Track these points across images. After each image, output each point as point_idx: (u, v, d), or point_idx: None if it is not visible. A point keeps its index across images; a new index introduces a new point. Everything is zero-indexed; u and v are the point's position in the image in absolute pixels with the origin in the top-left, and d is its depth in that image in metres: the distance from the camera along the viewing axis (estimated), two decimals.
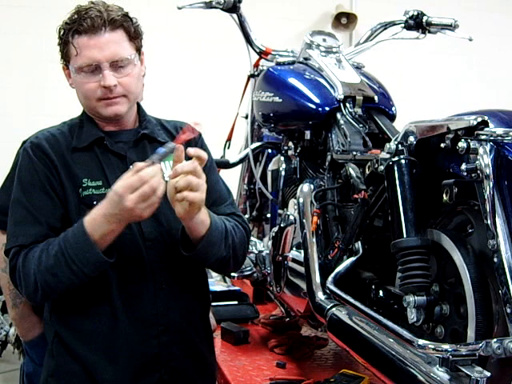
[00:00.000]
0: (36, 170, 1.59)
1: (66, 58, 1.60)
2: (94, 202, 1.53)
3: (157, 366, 1.61)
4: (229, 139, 2.81)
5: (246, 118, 2.65)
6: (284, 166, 2.32)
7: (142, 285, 1.60)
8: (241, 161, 2.67)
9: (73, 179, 1.59)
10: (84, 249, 1.47)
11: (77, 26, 1.54)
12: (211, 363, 1.79)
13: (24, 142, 2.14)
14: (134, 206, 1.41)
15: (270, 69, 2.37)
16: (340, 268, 1.75)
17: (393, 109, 2.16)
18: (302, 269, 1.96)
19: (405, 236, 1.47)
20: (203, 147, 1.70)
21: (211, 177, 1.63)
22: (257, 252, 2.36)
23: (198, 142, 1.72)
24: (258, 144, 2.61)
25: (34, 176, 1.59)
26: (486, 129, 1.29)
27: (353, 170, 1.81)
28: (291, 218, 2.08)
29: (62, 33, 1.59)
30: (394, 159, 1.53)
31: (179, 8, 2.31)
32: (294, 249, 2.06)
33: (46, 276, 1.50)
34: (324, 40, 2.33)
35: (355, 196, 1.73)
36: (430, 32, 2.49)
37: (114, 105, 1.59)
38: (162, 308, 1.61)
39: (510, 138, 1.25)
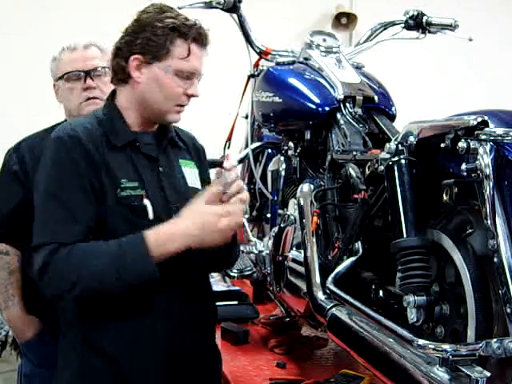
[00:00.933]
0: (76, 165, 1.55)
1: (157, 53, 1.59)
2: (132, 203, 1.57)
3: (184, 359, 1.65)
4: (229, 139, 2.81)
5: (246, 117, 2.65)
6: (284, 166, 2.32)
7: (174, 288, 1.64)
8: (241, 161, 2.67)
9: (111, 179, 1.58)
10: (140, 263, 1.50)
11: (195, 34, 1.62)
12: (220, 357, 1.86)
13: (9, 151, 2.14)
14: (223, 230, 1.54)
15: (270, 69, 2.37)
16: (340, 268, 1.75)
17: (393, 109, 2.16)
18: (301, 269, 1.96)
19: (405, 236, 1.47)
20: (205, 163, 1.87)
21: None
22: (257, 252, 2.36)
23: (203, 157, 1.87)
24: (258, 144, 2.61)
25: (72, 172, 1.55)
26: (486, 129, 1.29)
27: (353, 170, 1.81)
28: (291, 217, 2.09)
29: (167, 31, 1.59)
30: (393, 159, 1.53)
31: (179, 8, 2.30)
32: (294, 249, 2.06)
33: (90, 280, 1.50)
34: (324, 40, 2.33)
35: (355, 196, 1.73)
36: (429, 32, 2.49)
37: (180, 113, 1.68)
38: (188, 307, 1.66)
39: (510, 137, 1.25)
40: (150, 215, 1.59)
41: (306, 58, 2.31)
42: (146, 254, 1.49)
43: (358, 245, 1.75)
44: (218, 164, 2.58)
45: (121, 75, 1.65)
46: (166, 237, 1.52)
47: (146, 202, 1.59)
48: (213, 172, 1.88)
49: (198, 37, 1.63)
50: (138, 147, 1.64)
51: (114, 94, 1.70)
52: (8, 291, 2.08)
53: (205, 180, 1.81)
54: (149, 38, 1.59)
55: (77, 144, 1.56)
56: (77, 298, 1.56)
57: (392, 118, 2.13)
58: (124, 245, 1.51)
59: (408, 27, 2.50)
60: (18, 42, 4.45)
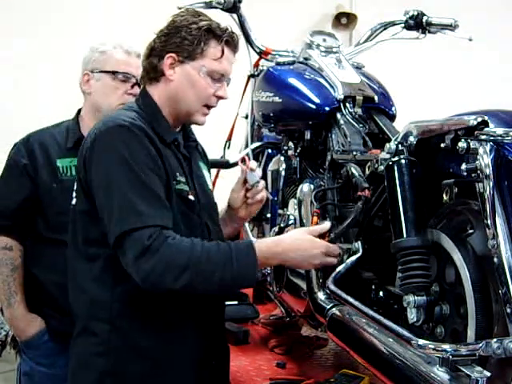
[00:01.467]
0: (147, 150, 1.56)
1: (191, 52, 1.63)
2: (188, 197, 1.64)
3: (210, 357, 1.71)
4: (229, 139, 2.81)
5: (246, 117, 2.65)
6: (284, 166, 2.32)
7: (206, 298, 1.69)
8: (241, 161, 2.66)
9: (169, 170, 1.61)
10: (246, 271, 1.55)
11: (229, 38, 1.69)
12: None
13: (15, 145, 2.14)
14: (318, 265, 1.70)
15: (270, 69, 2.37)
16: (340, 268, 1.75)
17: (393, 109, 2.16)
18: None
19: (405, 236, 1.47)
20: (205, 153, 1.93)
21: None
22: None
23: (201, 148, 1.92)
24: (258, 144, 2.61)
25: (148, 155, 1.55)
26: (486, 129, 1.29)
27: (355, 169, 1.81)
28: (291, 217, 2.08)
29: (202, 32, 1.63)
30: (393, 159, 1.53)
31: (179, 8, 2.30)
32: None
33: (196, 277, 1.49)
34: (324, 40, 2.33)
35: (359, 193, 1.72)
36: (429, 32, 2.49)
37: (206, 116, 1.72)
38: (218, 307, 1.77)
39: (510, 137, 1.25)
40: (197, 210, 1.66)
41: (306, 58, 2.31)
42: (254, 265, 1.55)
43: (358, 245, 1.74)
44: (220, 165, 2.58)
45: (152, 74, 1.67)
46: (271, 254, 1.61)
47: (191, 197, 1.66)
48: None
49: (230, 40, 1.69)
50: (177, 146, 1.69)
51: (145, 92, 1.71)
52: (10, 288, 2.07)
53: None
54: (184, 38, 1.63)
55: (142, 131, 1.57)
56: (172, 290, 1.51)
57: (392, 117, 2.13)
58: (234, 249, 1.54)
59: (408, 27, 2.50)
60: (18, 42, 4.45)
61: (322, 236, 1.70)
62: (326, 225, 1.72)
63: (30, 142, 2.09)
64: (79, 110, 2.18)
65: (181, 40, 1.63)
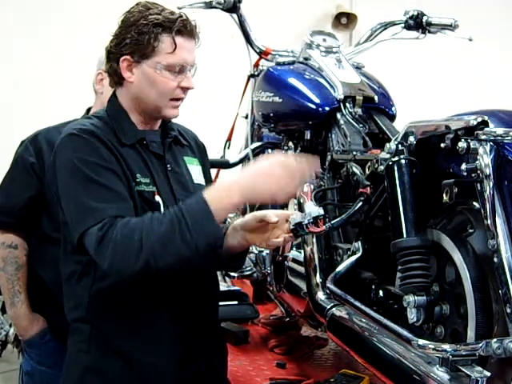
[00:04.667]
0: (100, 154, 1.55)
1: (144, 51, 1.60)
2: (150, 199, 1.60)
3: (194, 358, 1.67)
4: (229, 139, 2.81)
5: (246, 117, 2.65)
6: None
7: (195, 288, 1.67)
8: (241, 161, 2.67)
9: (128, 172, 1.59)
10: (202, 218, 1.46)
11: (179, 27, 1.60)
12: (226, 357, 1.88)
13: (23, 142, 2.14)
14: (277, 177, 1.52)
15: (270, 69, 2.37)
16: (340, 268, 1.75)
17: (393, 109, 2.16)
18: (302, 269, 1.96)
19: (405, 236, 1.47)
20: (207, 160, 1.88)
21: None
22: (257, 252, 2.36)
23: (205, 155, 1.87)
24: (258, 144, 2.61)
25: (99, 159, 1.54)
26: (486, 129, 1.29)
27: (356, 168, 1.81)
28: None
29: (151, 28, 1.58)
30: (393, 159, 1.53)
31: (179, 8, 2.30)
32: (294, 249, 2.06)
33: (154, 244, 1.44)
34: (324, 40, 2.33)
35: (360, 190, 1.71)
36: (429, 32, 2.49)
37: (177, 107, 1.68)
38: (202, 306, 1.70)
39: (510, 137, 1.25)
40: (162, 211, 1.59)
41: (306, 58, 2.31)
42: (208, 212, 1.47)
43: (358, 245, 1.74)
44: (220, 165, 2.58)
45: (116, 78, 1.66)
46: (223, 192, 1.51)
47: (158, 198, 1.62)
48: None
49: (183, 29, 1.61)
50: (146, 145, 1.66)
51: (114, 96, 1.71)
52: (15, 287, 2.07)
53: (207, 176, 1.83)
54: (135, 38, 1.59)
55: (93, 136, 1.57)
56: (144, 270, 1.47)
57: (392, 118, 2.13)
58: (184, 207, 1.49)
59: (408, 27, 2.50)
60: (18, 42, 4.45)
61: (316, 223, 1.58)
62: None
63: (38, 140, 2.09)
64: (88, 110, 2.18)
65: (132, 40, 1.60)
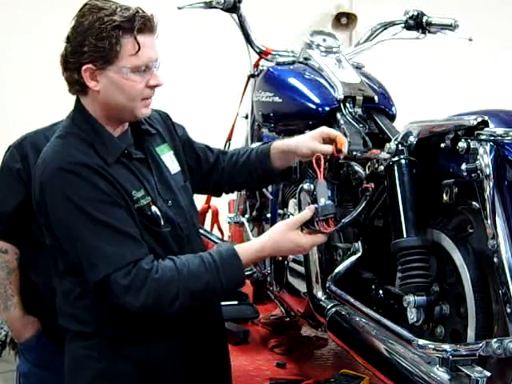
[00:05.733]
0: (98, 187, 1.49)
1: (106, 58, 1.50)
2: (148, 213, 1.56)
3: (205, 357, 1.69)
4: (229, 139, 2.81)
5: (246, 117, 2.65)
6: None
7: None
8: None
9: (124, 193, 1.53)
10: (235, 280, 1.56)
11: (140, 25, 1.50)
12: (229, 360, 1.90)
13: (9, 148, 2.12)
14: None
15: (270, 69, 2.37)
16: (340, 268, 1.75)
17: (393, 109, 2.15)
18: (302, 269, 1.96)
19: (405, 236, 1.47)
20: (175, 126, 1.82)
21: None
22: None
23: (171, 125, 1.81)
24: (258, 144, 2.61)
25: (98, 191, 1.49)
26: (486, 129, 1.29)
27: (357, 166, 1.81)
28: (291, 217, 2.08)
29: (110, 31, 1.48)
30: (394, 159, 1.53)
31: (179, 8, 2.31)
32: None
33: (188, 299, 1.51)
34: (324, 40, 2.33)
35: (365, 185, 1.70)
36: (430, 32, 2.49)
37: (149, 106, 1.61)
38: (207, 309, 1.71)
39: (510, 137, 1.25)
40: (162, 221, 1.59)
41: (306, 58, 2.31)
42: (241, 274, 1.56)
43: (358, 245, 1.74)
44: None
45: (78, 87, 1.56)
46: (253, 259, 1.60)
47: (154, 208, 1.58)
48: None
49: (143, 26, 1.51)
50: (129, 154, 1.60)
51: (79, 106, 1.61)
52: (7, 291, 2.07)
53: (180, 157, 1.77)
54: (93, 44, 1.49)
55: (86, 168, 1.50)
56: (175, 312, 1.52)
57: (392, 118, 2.13)
58: (219, 263, 1.52)
59: (408, 27, 2.50)
60: (18, 42, 4.45)
61: (327, 222, 1.55)
62: (307, 212, 1.57)
63: (24, 146, 2.06)
64: None
65: (91, 47, 1.49)
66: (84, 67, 1.51)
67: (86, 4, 1.55)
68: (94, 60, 1.50)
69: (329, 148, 1.71)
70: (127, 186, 1.54)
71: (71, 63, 1.53)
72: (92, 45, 1.49)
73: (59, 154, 1.53)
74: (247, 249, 1.58)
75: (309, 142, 1.74)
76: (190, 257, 1.54)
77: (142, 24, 1.51)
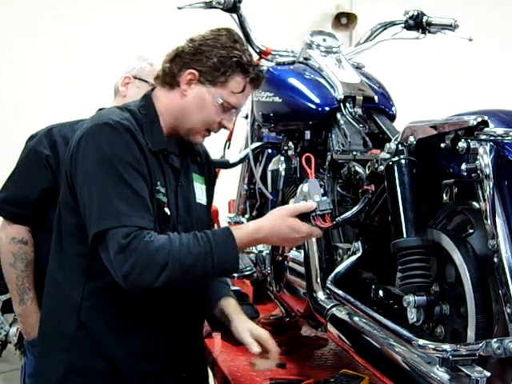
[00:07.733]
0: (131, 152, 1.54)
1: (214, 79, 1.61)
2: (161, 207, 1.59)
3: (180, 365, 1.70)
4: (229, 139, 2.81)
5: (246, 117, 2.65)
6: (284, 165, 2.32)
7: (184, 301, 1.69)
8: (241, 161, 2.67)
9: (150, 178, 1.58)
10: (228, 260, 1.54)
11: (254, 75, 1.66)
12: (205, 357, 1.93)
13: (33, 136, 2.11)
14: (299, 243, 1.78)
15: (270, 69, 2.36)
16: (340, 268, 1.75)
17: (393, 109, 2.15)
18: (302, 269, 1.96)
19: (405, 236, 1.47)
20: (215, 174, 1.94)
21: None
22: (257, 252, 2.35)
23: (213, 170, 1.92)
24: (258, 144, 2.61)
25: (132, 156, 1.53)
26: (486, 129, 1.29)
27: (358, 167, 1.81)
28: None
29: (232, 62, 1.61)
30: (394, 159, 1.53)
31: (179, 8, 2.30)
32: (294, 249, 2.06)
33: (177, 271, 1.49)
34: (324, 40, 2.33)
35: (365, 187, 1.71)
36: (429, 32, 2.49)
37: (204, 138, 1.71)
38: (188, 317, 1.72)
39: (510, 138, 1.25)
40: (170, 224, 1.61)
41: (306, 58, 2.31)
42: (234, 254, 1.54)
43: (358, 245, 1.75)
44: (220, 165, 2.58)
45: (168, 79, 1.65)
46: (251, 240, 1.59)
47: (167, 210, 1.61)
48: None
49: (255, 78, 1.66)
50: (166, 156, 1.65)
51: (150, 95, 1.69)
52: (24, 284, 2.04)
53: (209, 197, 1.85)
54: (213, 62, 1.60)
55: (128, 131, 1.55)
56: (157, 287, 1.50)
57: (392, 118, 2.13)
58: (213, 240, 1.52)
59: (408, 27, 2.50)
60: (18, 41, 4.45)
61: (323, 218, 1.57)
62: (309, 203, 1.57)
63: (53, 133, 2.06)
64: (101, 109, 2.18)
65: (209, 62, 1.60)
66: (191, 70, 1.62)
67: (227, 28, 1.68)
68: (204, 73, 1.61)
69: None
70: (155, 174, 1.59)
71: (181, 59, 1.62)
72: (212, 61, 1.60)
73: (109, 116, 1.58)
74: (243, 228, 1.60)
75: (241, 332, 1.76)
76: (184, 234, 1.54)
77: (256, 75, 1.66)
